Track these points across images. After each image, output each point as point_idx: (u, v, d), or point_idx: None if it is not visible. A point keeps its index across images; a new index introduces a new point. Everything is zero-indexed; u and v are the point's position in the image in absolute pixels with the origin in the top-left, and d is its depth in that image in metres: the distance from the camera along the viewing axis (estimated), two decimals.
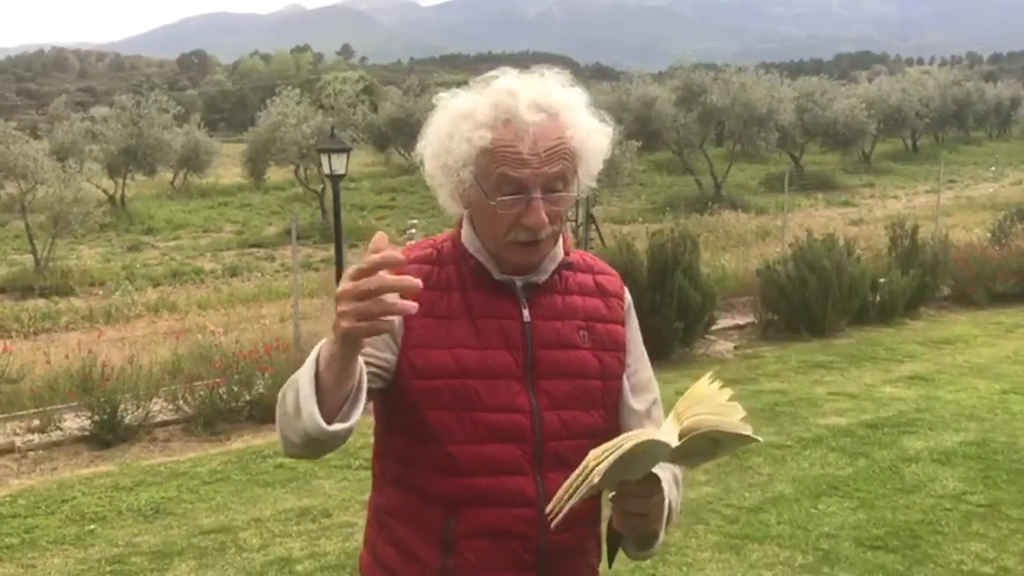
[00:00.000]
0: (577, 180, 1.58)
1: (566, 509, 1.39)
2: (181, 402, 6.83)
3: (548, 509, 1.40)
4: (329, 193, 7.77)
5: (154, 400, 6.82)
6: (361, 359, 1.41)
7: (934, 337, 9.28)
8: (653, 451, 1.39)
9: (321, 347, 1.42)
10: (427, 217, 24.34)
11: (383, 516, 1.68)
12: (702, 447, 1.40)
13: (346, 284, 1.30)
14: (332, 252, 7.73)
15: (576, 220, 10.03)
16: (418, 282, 1.29)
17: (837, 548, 4.28)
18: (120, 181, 26.08)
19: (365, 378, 1.44)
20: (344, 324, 1.30)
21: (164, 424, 6.74)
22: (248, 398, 6.91)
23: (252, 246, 21.41)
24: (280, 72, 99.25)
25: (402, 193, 29.71)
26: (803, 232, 10.28)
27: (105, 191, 25.10)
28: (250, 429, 6.71)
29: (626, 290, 1.76)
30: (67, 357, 7.38)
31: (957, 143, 41.12)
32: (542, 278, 1.64)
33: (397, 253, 1.29)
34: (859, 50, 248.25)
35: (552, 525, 1.40)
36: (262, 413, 6.84)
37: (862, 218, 21.33)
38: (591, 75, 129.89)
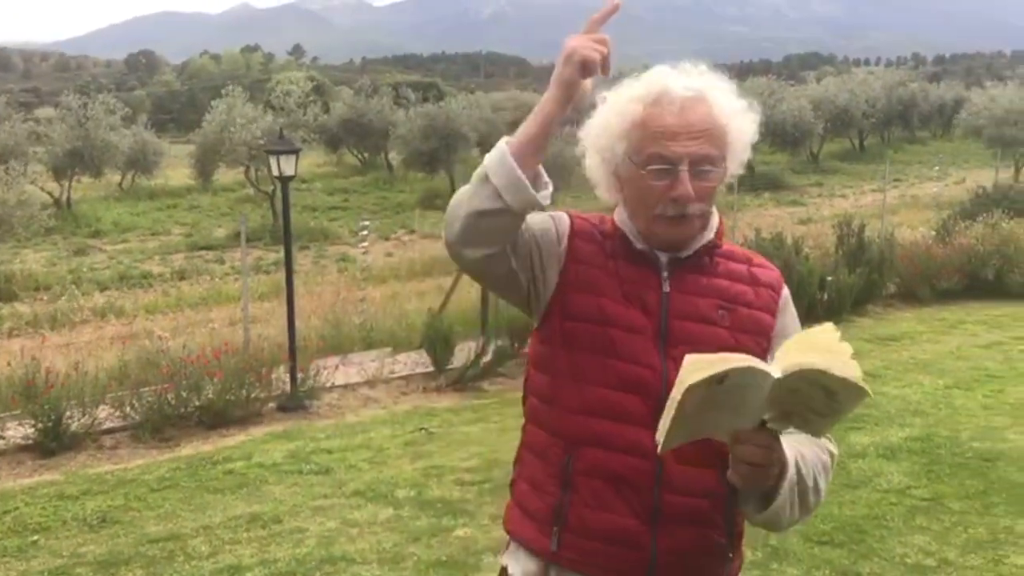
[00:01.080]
0: (725, 162, 1.67)
1: (670, 438, 1.40)
2: (128, 408, 6.72)
3: (657, 435, 1.44)
4: (280, 194, 7.68)
5: (100, 407, 6.70)
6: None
7: (880, 334, 9.44)
8: (754, 381, 1.36)
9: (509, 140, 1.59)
10: (380, 218, 24.26)
11: (523, 452, 1.82)
12: (812, 395, 1.36)
13: (579, 36, 1.56)
14: (283, 254, 7.64)
15: None
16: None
17: (785, 544, 4.33)
18: (66, 183, 25.59)
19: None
20: (582, 53, 1.54)
21: (111, 431, 6.63)
22: (197, 403, 6.83)
23: (201, 249, 21.14)
24: (230, 72, 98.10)
25: (354, 194, 29.55)
26: (752, 231, 10.41)
27: (50, 193, 24.60)
28: (199, 435, 6.63)
29: (784, 286, 1.82)
30: (9, 364, 7.22)
31: (903, 143, 41.90)
32: (685, 253, 1.71)
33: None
34: (808, 51, 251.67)
35: (659, 451, 1.45)
36: (211, 418, 6.77)
37: (810, 217, 21.64)
38: (544, 75, 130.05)
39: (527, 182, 1.56)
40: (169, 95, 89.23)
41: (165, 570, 4.30)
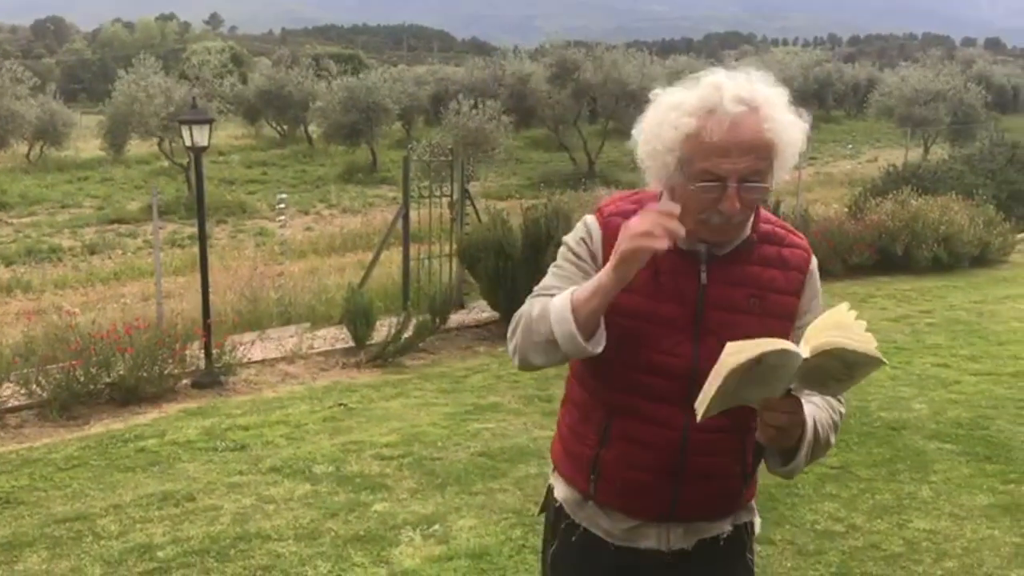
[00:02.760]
0: (772, 172, 1.76)
1: (711, 408, 1.59)
2: (35, 386, 6.48)
3: (696, 404, 1.62)
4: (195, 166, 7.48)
5: (4, 384, 6.45)
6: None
7: None
8: (785, 360, 1.55)
9: (574, 296, 1.76)
10: (299, 192, 23.87)
11: (569, 403, 2.05)
12: (833, 367, 1.57)
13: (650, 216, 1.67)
14: (198, 228, 7.46)
15: (451, 196, 9.98)
16: (681, 232, 1.68)
17: None
18: None
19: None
20: (647, 247, 1.65)
21: (16, 410, 6.39)
22: (108, 380, 6.62)
23: (113, 222, 20.50)
24: (144, 41, 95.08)
25: (273, 167, 28.99)
26: None
27: None
28: (109, 412, 6.44)
29: (812, 260, 1.95)
30: None
31: (818, 122, 42.73)
32: (724, 250, 1.84)
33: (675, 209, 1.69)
34: (728, 30, 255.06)
35: (698, 419, 1.62)
36: (123, 395, 6.59)
37: None
38: (468, 50, 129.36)
39: (585, 344, 1.76)
40: (80, 64, 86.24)
41: (72, 551, 4.17)
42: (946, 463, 5.18)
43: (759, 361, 1.53)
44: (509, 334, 1.91)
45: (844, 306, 1.61)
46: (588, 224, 1.91)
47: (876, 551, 4.14)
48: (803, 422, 1.74)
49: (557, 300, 1.78)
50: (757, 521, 2.08)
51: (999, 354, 7.73)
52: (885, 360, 1.56)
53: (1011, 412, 6.09)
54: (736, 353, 1.54)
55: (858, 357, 1.55)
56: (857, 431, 5.63)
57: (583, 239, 1.90)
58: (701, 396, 1.60)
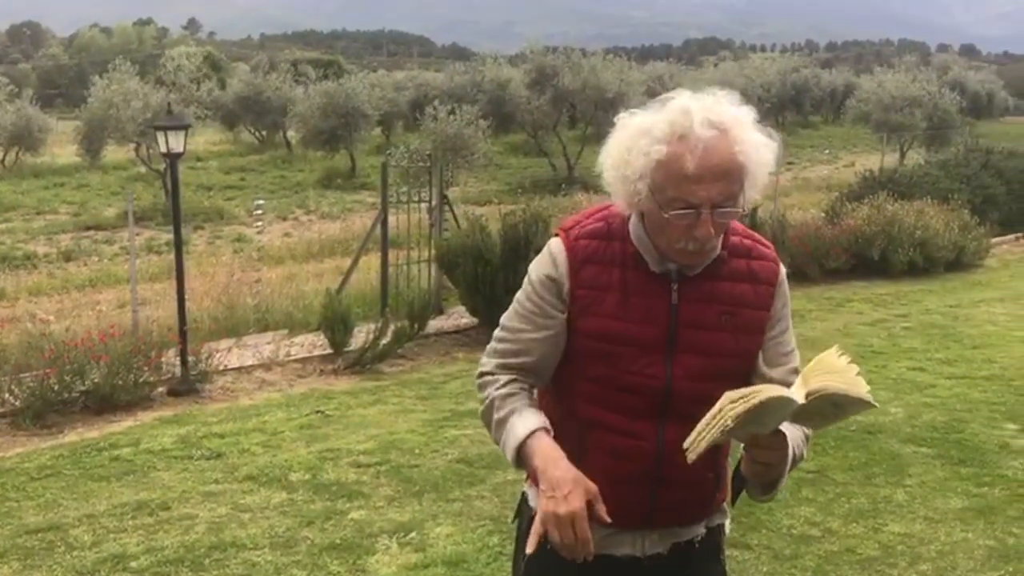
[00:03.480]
0: (744, 194, 1.75)
1: (702, 447, 1.61)
2: (7, 394, 6.42)
3: (685, 445, 1.63)
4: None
5: None
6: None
7: None
8: (782, 406, 1.59)
9: (534, 445, 1.81)
10: (278, 197, 23.77)
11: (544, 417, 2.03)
12: (824, 409, 1.61)
13: (570, 521, 1.71)
14: (173, 234, 7.41)
15: (429, 202, 9.97)
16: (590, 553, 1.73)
17: None
18: None
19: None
20: (551, 530, 1.72)
21: None
22: (82, 388, 6.57)
23: (90, 228, 20.31)
24: (122, 46, 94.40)
25: (252, 172, 28.85)
26: None
27: None
28: (83, 421, 6.38)
29: (781, 270, 1.95)
30: None
31: (796, 127, 43.06)
32: (695, 270, 1.84)
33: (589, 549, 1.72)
34: (707, 36, 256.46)
35: (689, 460, 1.64)
36: (97, 404, 6.54)
37: None
38: (447, 55, 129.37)
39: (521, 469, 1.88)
40: (56, 69, 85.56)
41: (44, 562, 4.13)
42: (921, 467, 5.22)
43: (756, 408, 1.56)
44: (478, 383, 1.97)
45: (834, 350, 1.65)
46: (553, 252, 1.88)
47: (851, 555, 4.16)
48: (788, 456, 1.75)
49: (517, 427, 1.84)
50: (728, 523, 2.10)
51: (973, 358, 7.79)
52: (876, 403, 1.61)
53: (985, 415, 6.15)
54: (736, 401, 1.57)
55: (850, 400, 1.60)
56: (833, 435, 5.65)
57: (548, 277, 1.88)
58: (693, 438, 1.62)
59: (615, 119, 1.84)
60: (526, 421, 1.84)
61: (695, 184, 1.69)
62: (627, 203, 1.81)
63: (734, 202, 1.74)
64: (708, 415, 1.60)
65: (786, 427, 1.71)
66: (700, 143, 1.68)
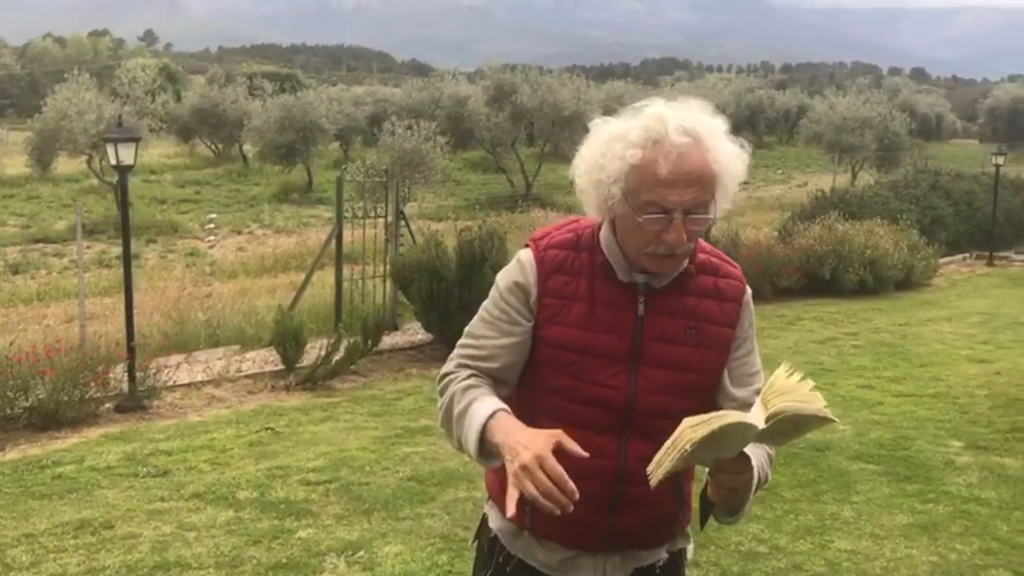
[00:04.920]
0: (715, 202, 1.77)
1: (662, 473, 1.61)
2: None
3: (648, 470, 1.63)
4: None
5: None
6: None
7: None
8: (743, 432, 1.59)
9: (495, 424, 1.74)
10: (233, 211, 23.54)
11: None
12: (786, 428, 1.63)
13: (537, 464, 1.61)
14: (122, 248, 7.30)
15: (386, 218, 9.93)
16: (569, 504, 1.61)
17: None
18: None
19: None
20: (523, 485, 1.61)
21: None
22: (26, 404, 6.44)
23: (39, 241, 19.92)
24: (76, 57, 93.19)
25: (207, 186, 28.56)
26: None
27: None
28: (27, 437, 6.25)
29: (747, 290, 1.95)
30: None
31: (750, 147, 43.60)
32: (662, 283, 1.85)
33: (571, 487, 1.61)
34: (664, 56, 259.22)
35: (651, 485, 1.63)
36: (41, 420, 6.40)
37: None
38: (407, 71, 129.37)
39: (482, 462, 1.80)
40: (8, 78, 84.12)
41: None
42: (868, 483, 5.28)
43: (717, 434, 1.57)
44: (439, 388, 1.91)
45: (783, 368, 1.66)
46: (523, 261, 1.89)
47: (799, 572, 4.19)
48: (752, 479, 1.75)
49: (478, 413, 1.77)
50: (690, 548, 2.08)
51: (921, 375, 7.92)
52: (835, 419, 1.63)
53: (931, 433, 6.24)
54: (695, 426, 1.57)
55: (809, 419, 1.62)
56: (783, 452, 5.66)
57: (516, 284, 1.87)
58: (654, 463, 1.63)
59: (588, 125, 1.85)
60: (485, 406, 1.78)
61: (668, 189, 1.71)
62: (599, 208, 1.81)
63: (705, 209, 1.76)
64: (668, 441, 1.61)
65: (750, 448, 1.71)
66: (674, 149, 1.70)
